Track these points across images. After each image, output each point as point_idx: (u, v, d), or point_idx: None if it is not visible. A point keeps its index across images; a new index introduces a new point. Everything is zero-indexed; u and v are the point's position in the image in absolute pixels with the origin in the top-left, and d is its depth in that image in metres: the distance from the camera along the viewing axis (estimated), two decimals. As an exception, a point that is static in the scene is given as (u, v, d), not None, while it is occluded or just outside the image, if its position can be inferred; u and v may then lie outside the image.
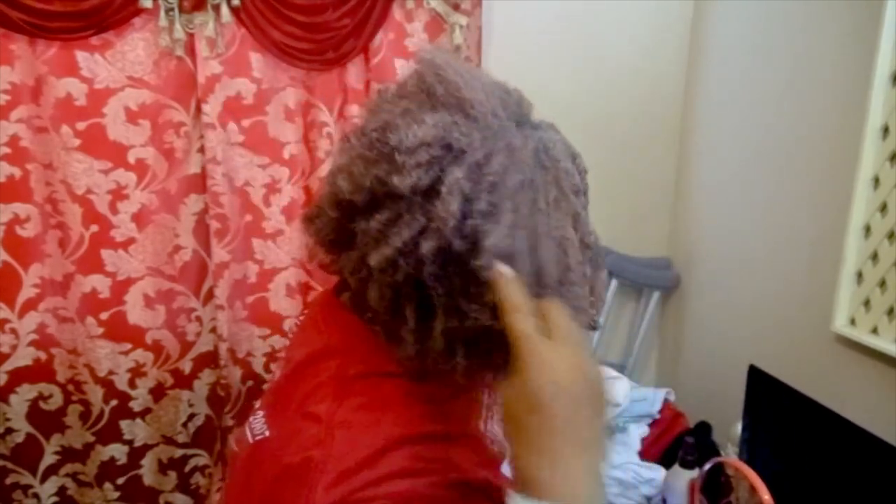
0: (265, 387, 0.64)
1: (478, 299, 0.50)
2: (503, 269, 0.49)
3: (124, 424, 1.84)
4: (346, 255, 0.56)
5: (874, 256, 1.32)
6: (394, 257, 0.50)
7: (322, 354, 0.59)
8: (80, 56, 1.61)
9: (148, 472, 1.90)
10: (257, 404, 0.62)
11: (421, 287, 0.51)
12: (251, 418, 0.60)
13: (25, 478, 1.83)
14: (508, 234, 0.50)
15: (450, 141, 0.50)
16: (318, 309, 0.67)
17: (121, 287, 1.77)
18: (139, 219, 1.74)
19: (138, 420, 1.85)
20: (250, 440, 0.58)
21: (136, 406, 1.84)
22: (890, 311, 1.28)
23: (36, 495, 1.85)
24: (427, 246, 0.49)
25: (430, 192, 0.50)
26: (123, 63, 1.64)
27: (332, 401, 0.54)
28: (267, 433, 0.57)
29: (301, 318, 0.73)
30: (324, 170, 1.82)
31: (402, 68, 1.78)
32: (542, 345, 0.47)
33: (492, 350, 0.52)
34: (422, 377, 0.55)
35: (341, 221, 0.56)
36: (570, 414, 0.45)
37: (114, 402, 1.82)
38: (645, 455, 1.50)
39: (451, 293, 0.51)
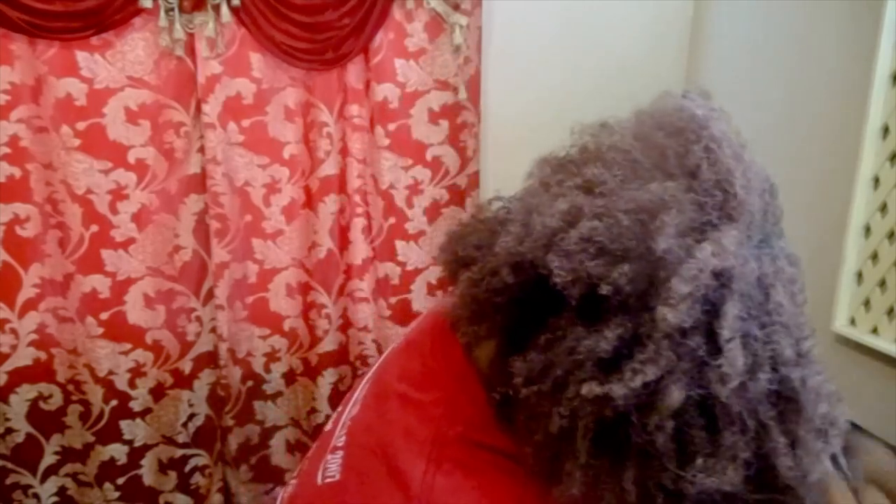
0: (347, 414, 0.56)
1: (728, 454, 0.39)
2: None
3: (124, 424, 1.84)
4: (524, 359, 0.43)
5: (874, 256, 1.32)
6: (619, 398, 0.38)
7: (424, 404, 0.50)
8: (80, 56, 1.61)
9: (148, 472, 1.90)
10: (340, 439, 0.53)
11: (615, 424, 0.40)
12: (329, 456, 0.51)
13: (25, 478, 1.83)
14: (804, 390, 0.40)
15: (731, 271, 0.39)
16: (429, 340, 0.56)
17: (121, 287, 1.77)
18: (139, 219, 1.74)
19: (138, 420, 1.85)
20: (318, 482, 0.50)
21: (136, 406, 1.84)
22: (890, 311, 1.28)
23: (36, 495, 1.85)
24: (677, 395, 0.38)
25: (690, 330, 0.38)
26: (123, 63, 1.64)
27: (426, 464, 0.45)
28: (338, 477, 0.49)
29: (407, 334, 0.61)
30: (324, 170, 1.82)
31: (402, 68, 1.78)
32: None
33: None
34: None
35: (517, 298, 0.45)
36: None
37: (114, 402, 1.82)
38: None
39: (675, 444, 0.39)
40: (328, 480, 0.49)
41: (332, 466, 0.50)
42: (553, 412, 0.41)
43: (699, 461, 0.39)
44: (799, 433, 0.40)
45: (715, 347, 0.38)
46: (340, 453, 0.51)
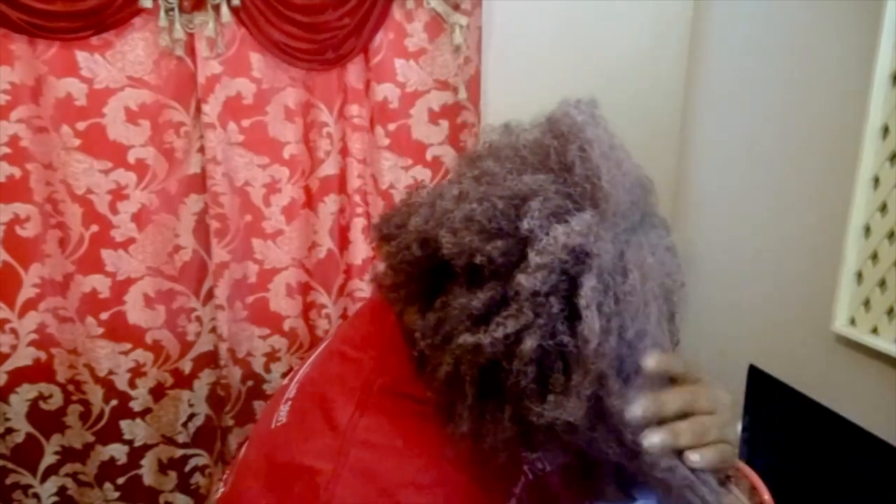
0: (301, 373, 0.65)
1: (574, 393, 0.47)
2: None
3: (124, 424, 1.84)
4: (423, 318, 0.52)
5: (874, 256, 1.32)
6: (487, 346, 0.47)
7: (358, 360, 0.59)
8: (80, 56, 1.61)
9: (148, 472, 1.90)
10: (291, 392, 0.61)
11: (493, 370, 0.48)
12: (281, 407, 0.60)
13: (25, 478, 1.83)
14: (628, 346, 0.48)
15: (587, 249, 0.46)
16: (369, 310, 0.67)
17: (121, 287, 1.77)
18: (139, 219, 1.74)
19: (138, 420, 1.85)
20: (272, 427, 0.59)
21: (136, 406, 1.84)
22: (890, 311, 1.28)
23: (36, 495, 1.85)
24: (530, 344, 0.46)
25: (548, 294, 0.46)
26: (123, 63, 1.64)
27: (354, 407, 0.54)
28: (283, 420, 0.58)
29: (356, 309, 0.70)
30: (324, 170, 1.82)
31: (402, 68, 1.78)
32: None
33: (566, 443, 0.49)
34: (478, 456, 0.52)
35: (426, 268, 0.52)
36: None
37: (114, 402, 1.82)
38: (645, 455, 1.49)
39: (538, 385, 0.47)
40: (278, 424, 0.58)
41: (282, 414, 0.59)
42: (443, 361, 0.50)
43: (551, 398, 0.47)
44: (631, 381, 0.48)
45: (573, 311, 0.45)
46: (289, 403, 0.60)
